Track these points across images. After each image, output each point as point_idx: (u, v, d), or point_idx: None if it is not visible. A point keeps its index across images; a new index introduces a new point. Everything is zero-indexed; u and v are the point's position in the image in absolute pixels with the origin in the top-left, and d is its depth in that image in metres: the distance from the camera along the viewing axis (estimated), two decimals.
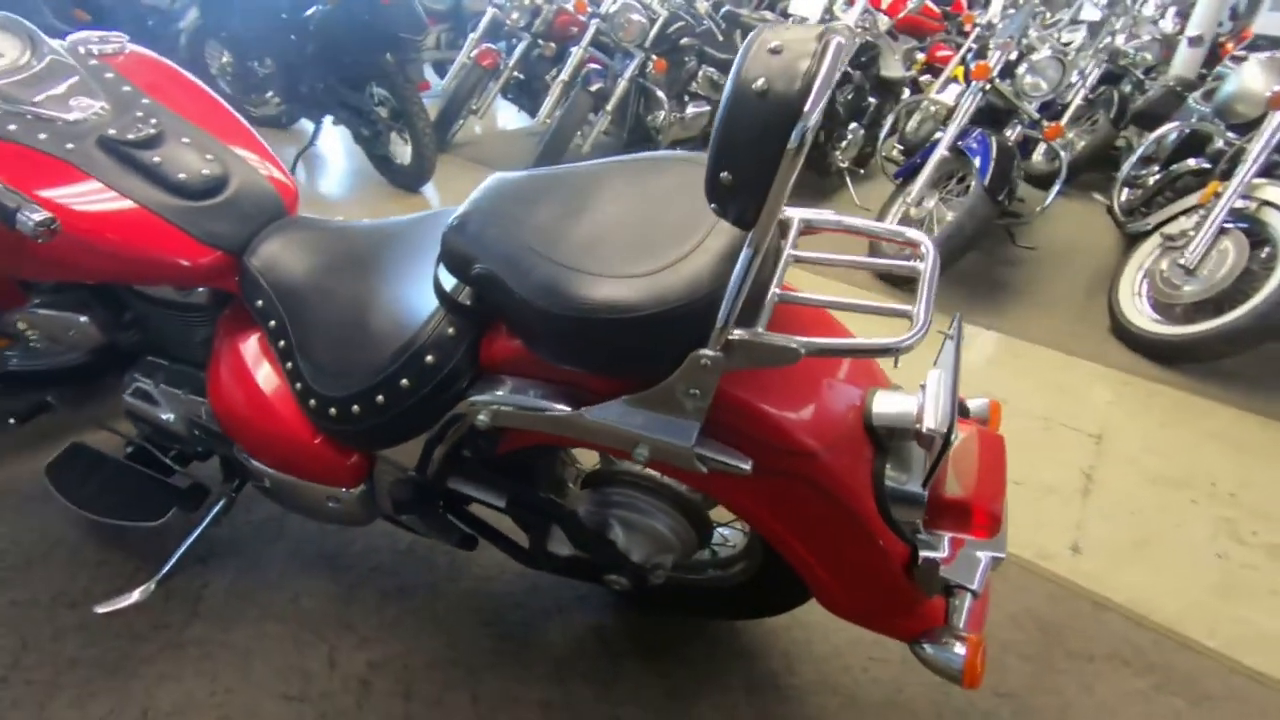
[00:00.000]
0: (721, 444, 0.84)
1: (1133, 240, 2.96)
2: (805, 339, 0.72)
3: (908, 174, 3.01)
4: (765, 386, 0.83)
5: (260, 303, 1.05)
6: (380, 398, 0.93)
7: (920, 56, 4.35)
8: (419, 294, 0.99)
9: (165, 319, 1.20)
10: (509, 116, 5.10)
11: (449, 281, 0.91)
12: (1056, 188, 3.06)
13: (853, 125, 3.79)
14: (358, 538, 1.53)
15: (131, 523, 1.29)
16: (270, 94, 3.97)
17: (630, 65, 3.57)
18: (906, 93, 4.05)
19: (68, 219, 0.93)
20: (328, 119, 3.71)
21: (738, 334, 0.73)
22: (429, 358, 0.91)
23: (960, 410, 1.03)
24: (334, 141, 4.11)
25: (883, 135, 3.66)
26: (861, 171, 3.88)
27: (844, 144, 3.75)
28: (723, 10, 4.21)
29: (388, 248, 1.12)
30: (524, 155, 4.14)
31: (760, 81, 0.60)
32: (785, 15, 4.20)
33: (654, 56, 3.62)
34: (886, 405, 0.89)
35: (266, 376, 1.08)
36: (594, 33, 3.54)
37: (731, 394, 0.81)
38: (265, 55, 3.70)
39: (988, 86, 2.81)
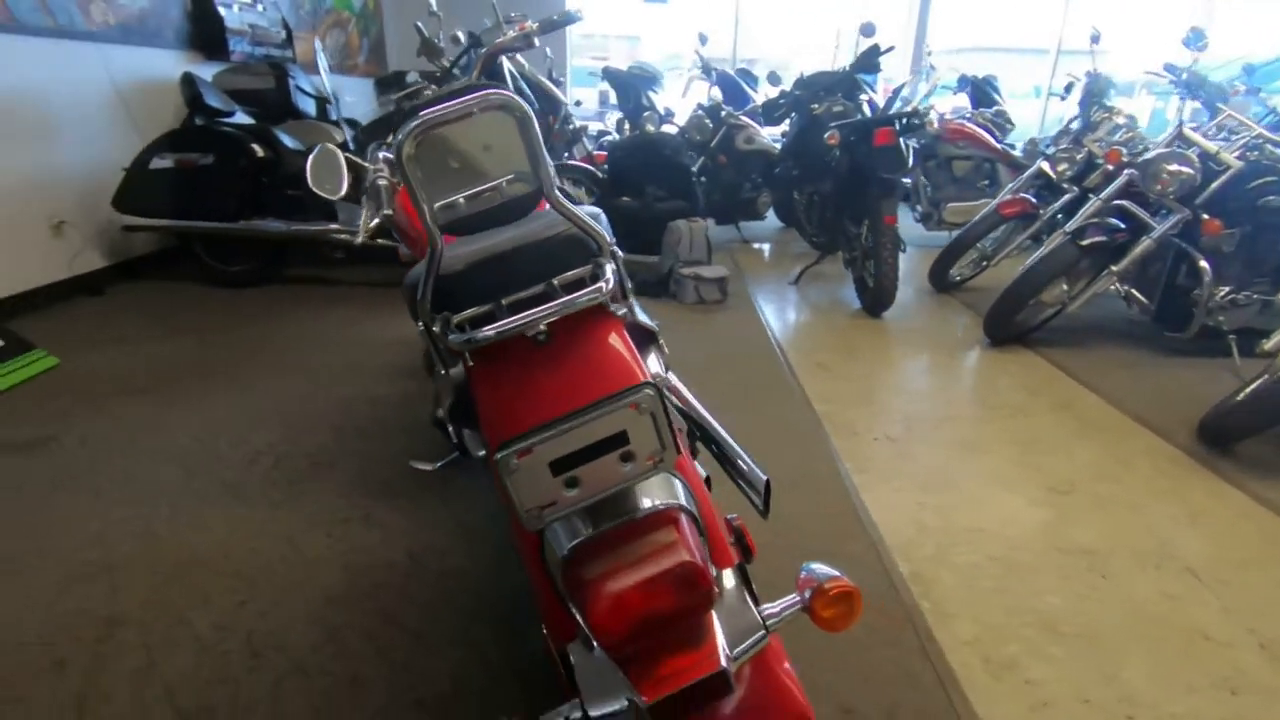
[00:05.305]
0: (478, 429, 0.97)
1: None
2: (477, 333, 0.83)
3: None
4: (515, 378, 0.86)
5: None
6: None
7: None
8: None
9: None
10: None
11: None
12: None
13: None
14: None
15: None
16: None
17: (1164, 223, 2.88)
18: None
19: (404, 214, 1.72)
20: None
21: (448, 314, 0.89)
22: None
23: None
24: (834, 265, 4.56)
25: None
26: None
27: None
28: None
29: None
30: None
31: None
32: None
33: (1204, 216, 2.82)
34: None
35: None
36: (1124, 184, 3.01)
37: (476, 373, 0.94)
38: (816, 194, 4.51)
39: None
